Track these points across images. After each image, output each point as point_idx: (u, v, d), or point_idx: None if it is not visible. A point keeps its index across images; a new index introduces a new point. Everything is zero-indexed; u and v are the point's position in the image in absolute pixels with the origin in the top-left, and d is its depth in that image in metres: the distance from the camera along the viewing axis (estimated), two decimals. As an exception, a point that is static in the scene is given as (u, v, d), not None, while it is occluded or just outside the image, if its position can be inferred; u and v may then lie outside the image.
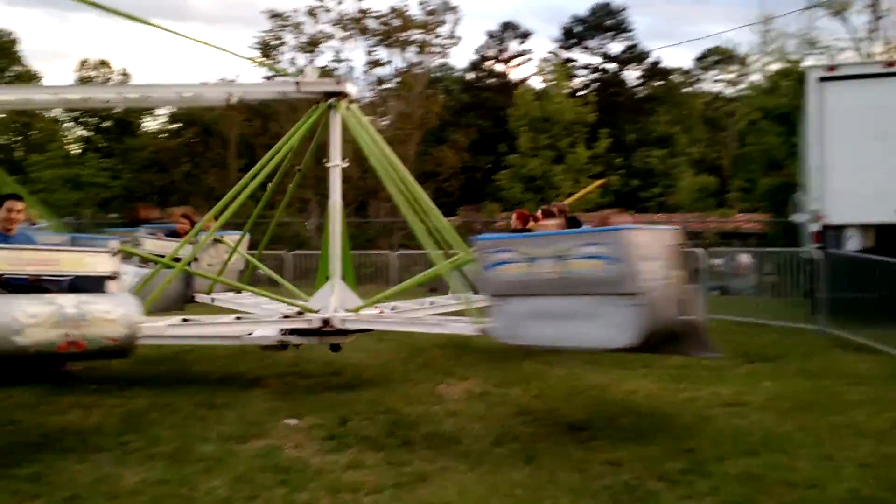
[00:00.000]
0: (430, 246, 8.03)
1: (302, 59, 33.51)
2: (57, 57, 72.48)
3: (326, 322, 7.82)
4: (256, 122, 33.06)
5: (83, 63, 55.20)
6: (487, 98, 53.93)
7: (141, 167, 38.38)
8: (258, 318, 8.39)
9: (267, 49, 33.45)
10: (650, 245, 5.72)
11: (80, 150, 47.30)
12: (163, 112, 44.48)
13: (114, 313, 5.57)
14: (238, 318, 8.26)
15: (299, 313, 8.06)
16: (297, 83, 8.52)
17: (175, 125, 40.54)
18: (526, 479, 4.92)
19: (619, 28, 57.43)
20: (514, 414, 6.69)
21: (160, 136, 40.93)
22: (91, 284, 5.88)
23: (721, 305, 14.70)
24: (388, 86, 34.52)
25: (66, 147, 46.59)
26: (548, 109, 31.00)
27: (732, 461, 5.29)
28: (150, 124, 44.63)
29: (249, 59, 15.71)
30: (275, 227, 10.42)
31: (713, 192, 31.47)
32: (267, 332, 8.03)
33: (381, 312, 8.56)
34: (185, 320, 7.73)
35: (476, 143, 38.19)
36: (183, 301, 10.02)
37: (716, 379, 8.17)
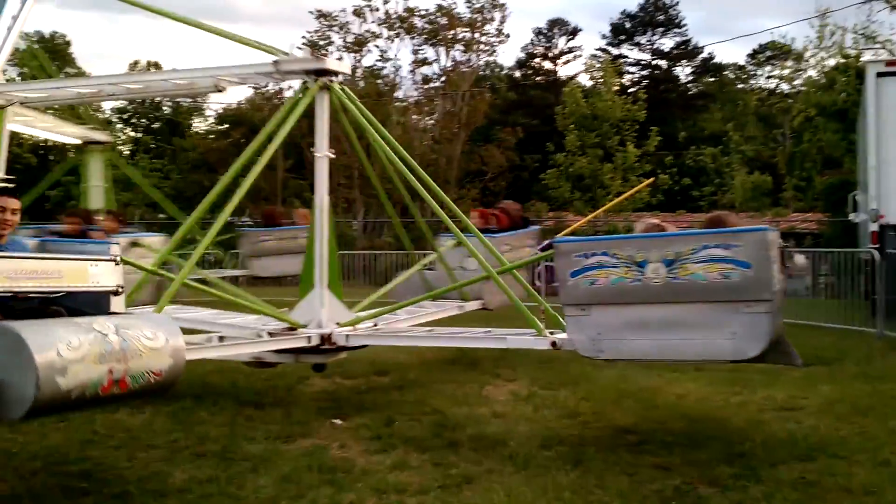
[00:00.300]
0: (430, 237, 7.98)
1: (349, 58, 33.75)
2: (108, 59, 73.98)
3: (326, 338, 7.00)
4: (304, 121, 33.39)
5: (134, 65, 56.34)
6: (535, 96, 53.76)
7: (190, 168, 38.99)
8: (241, 337, 7.08)
9: (314, 49, 33.72)
10: (775, 247, 5.38)
11: (130, 151, 48.24)
12: (211, 112, 45.15)
13: (158, 340, 4.59)
14: (221, 339, 6.76)
15: (291, 329, 7.07)
16: (276, 62, 7.31)
17: (223, 126, 41.14)
18: (574, 482, 4.89)
19: (671, 23, 56.87)
20: (561, 416, 6.65)
21: (209, 136, 41.55)
22: (90, 302, 4.88)
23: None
24: (435, 85, 34.59)
25: (117, 148, 47.57)
26: (596, 107, 30.78)
27: (786, 466, 5.19)
28: (199, 125, 45.37)
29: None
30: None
31: (767, 190, 30.91)
32: (256, 349, 6.85)
33: (375, 325, 7.68)
34: None
35: (523, 141, 38.07)
36: None
37: (770, 382, 8.02)
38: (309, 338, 6.93)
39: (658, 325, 5.51)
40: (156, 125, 52.22)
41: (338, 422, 6.47)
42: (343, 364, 9.25)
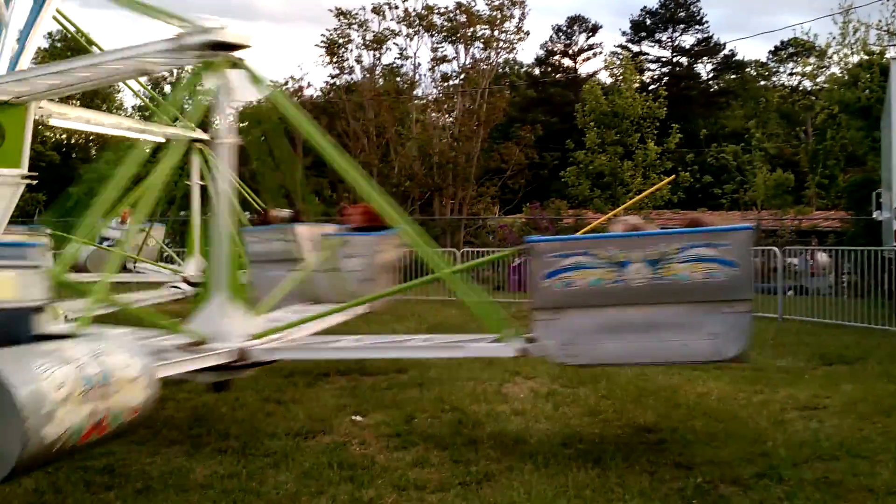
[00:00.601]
0: None
1: (367, 56, 33.81)
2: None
3: (241, 353, 6.09)
4: (323, 119, 33.48)
5: (155, 63, 56.61)
6: (554, 93, 53.67)
7: (210, 165, 39.19)
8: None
9: (334, 47, 33.81)
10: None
11: (150, 148, 48.51)
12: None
13: (134, 368, 3.92)
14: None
15: (196, 344, 6.07)
16: (178, 36, 6.14)
17: (243, 124, 41.32)
18: (594, 480, 4.88)
19: (692, 20, 56.57)
20: (581, 414, 6.64)
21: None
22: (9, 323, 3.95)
23: (797, 306, 14.37)
24: (454, 82, 34.56)
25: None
26: (617, 104, 30.64)
27: (809, 466, 5.16)
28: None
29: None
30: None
31: (790, 188, 30.63)
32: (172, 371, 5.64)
33: (284, 338, 6.68)
34: None
35: (542, 139, 37.96)
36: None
37: (792, 381, 7.98)
38: (221, 354, 5.94)
39: (636, 327, 5.35)
40: (176, 123, 52.49)
41: (358, 418, 6.50)
42: (361, 360, 9.29)
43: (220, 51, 6.19)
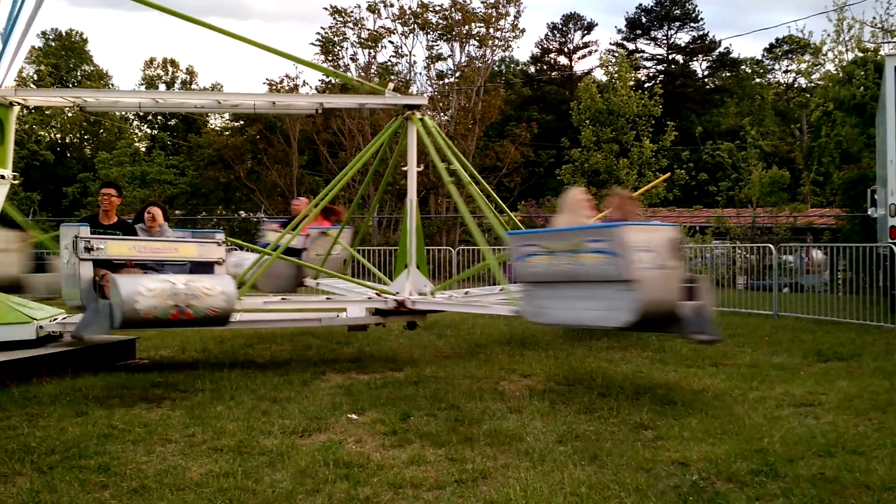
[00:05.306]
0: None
1: (363, 54, 33.78)
2: (122, 56, 74.43)
3: (401, 303, 9.25)
4: (318, 118, 33.44)
5: (150, 62, 56.63)
6: (549, 91, 53.78)
7: (206, 164, 39.14)
8: (347, 299, 10.00)
9: (329, 45, 33.78)
10: (644, 240, 6.53)
11: (146, 148, 48.54)
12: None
13: (214, 289, 7.55)
14: (328, 299, 10.22)
15: (380, 296, 9.58)
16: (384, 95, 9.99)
17: (238, 123, 41.29)
18: (590, 477, 4.87)
19: (687, 18, 56.67)
20: (577, 412, 6.64)
21: (224, 133, 41.72)
22: (202, 269, 8.15)
23: (793, 303, 14.39)
24: (449, 80, 34.57)
25: (134, 145, 47.88)
26: (612, 102, 30.66)
27: (805, 462, 5.16)
28: (214, 122, 45.54)
29: (309, 63, 16.95)
30: (367, 224, 12.40)
31: (785, 185, 30.68)
32: (354, 311, 9.30)
33: (450, 297, 9.95)
34: (283, 299, 9.84)
35: (538, 137, 38.02)
36: (296, 284, 11.85)
37: (788, 378, 7.99)
38: (386, 301, 9.35)
39: (571, 299, 7.06)
40: (172, 122, 52.51)
41: (353, 416, 6.49)
42: (359, 358, 9.33)
43: (412, 110, 9.73)
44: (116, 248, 7.99)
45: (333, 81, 33.96)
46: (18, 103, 9.21)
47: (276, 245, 9.65)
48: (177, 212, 38.78)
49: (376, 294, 9.72)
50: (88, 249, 7.73)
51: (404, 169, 9.90)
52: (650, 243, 6.52)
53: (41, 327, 8.52)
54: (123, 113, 49.49)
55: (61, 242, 8.08)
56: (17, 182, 9.37)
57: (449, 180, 9.78)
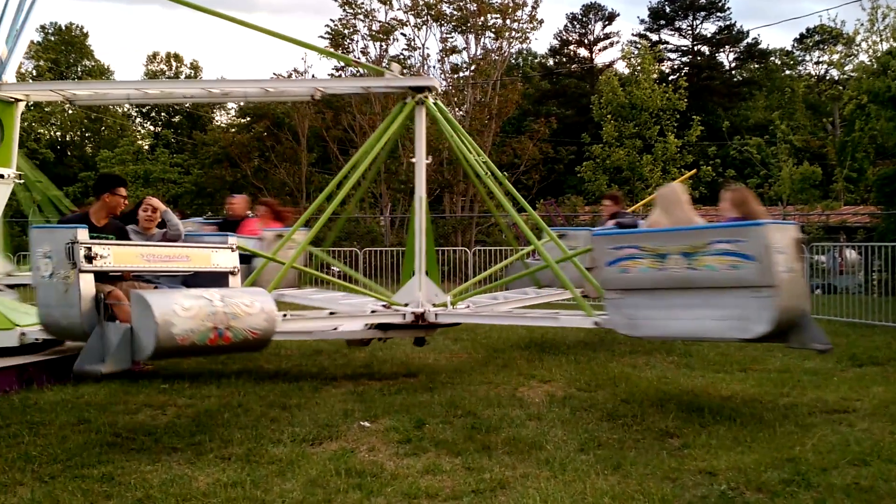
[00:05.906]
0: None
1: (374, 47, 33.81)
2: (125, 50, 74.95)
3: (420, 316, 8.49)
4: (328, 114, 33.50)
5: (154, 56, 56.93)
6: (569, 85, 53.64)
7: (212, 162, 39.27)
8: (350, 313, 8.86)
9: (339, 38, 33.82)
10: (780, 240, 6.14)
11: (149, 146, 48.79)
12: (232, 106, 45.47)
13: (254, 307, 6.14)
14: (332, 314, 8.81)
15: (386, 307, 8.68)
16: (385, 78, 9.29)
17: (245, 119, 41.43)
18: (613, 487, 4.87)
19: (713, 7, 56.42)
20: (600, 419, 6.63)
21: (230, 130, 41.84)
22: (209, 280, 6.96)
23: (825, 305, 14.30)
24: (464, 74, 34.54)
25: (137, 143, 48.16)
26: (635, 96, 30.58)
27: (838, 472, 5.14)
28: (220, 119, 45.75)
29: (317, 49, 16.83)
30: (343, 224, 11.06)
31: (817, 182, 30.51)
32: (356, 326, 8.63)
33: (468, 307, 9.14)
34: (284, 316, 7.94)
35: (557, 132, 37.92)
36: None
37: (820, 384, 7.95)
38: (404, 315, 8.50)
39: (679, 307, 6.50)
40: (175, 119, 52.76)
41: (366, 424, 6.50)
42: (370, 364, 9.34)
43: (424, 92, 8.83)
44: (124, 256, 6.48)
45: (343, 75, 34.06)
46: (18, 99, 9.24)
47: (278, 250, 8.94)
48: (185, 212, 38.91)
49: (384, 306, 8.76)
50: (90, 259, 6.06)
51: (412, 161, 9.19)
52: (783, 244, 6.20)
53: (24, 334, 8.23)
54: (126, 109, 49.81)
55: (35, 249, 6.24)
56: (20, 181, 9.33)
57: (485, 173, 9.32)
